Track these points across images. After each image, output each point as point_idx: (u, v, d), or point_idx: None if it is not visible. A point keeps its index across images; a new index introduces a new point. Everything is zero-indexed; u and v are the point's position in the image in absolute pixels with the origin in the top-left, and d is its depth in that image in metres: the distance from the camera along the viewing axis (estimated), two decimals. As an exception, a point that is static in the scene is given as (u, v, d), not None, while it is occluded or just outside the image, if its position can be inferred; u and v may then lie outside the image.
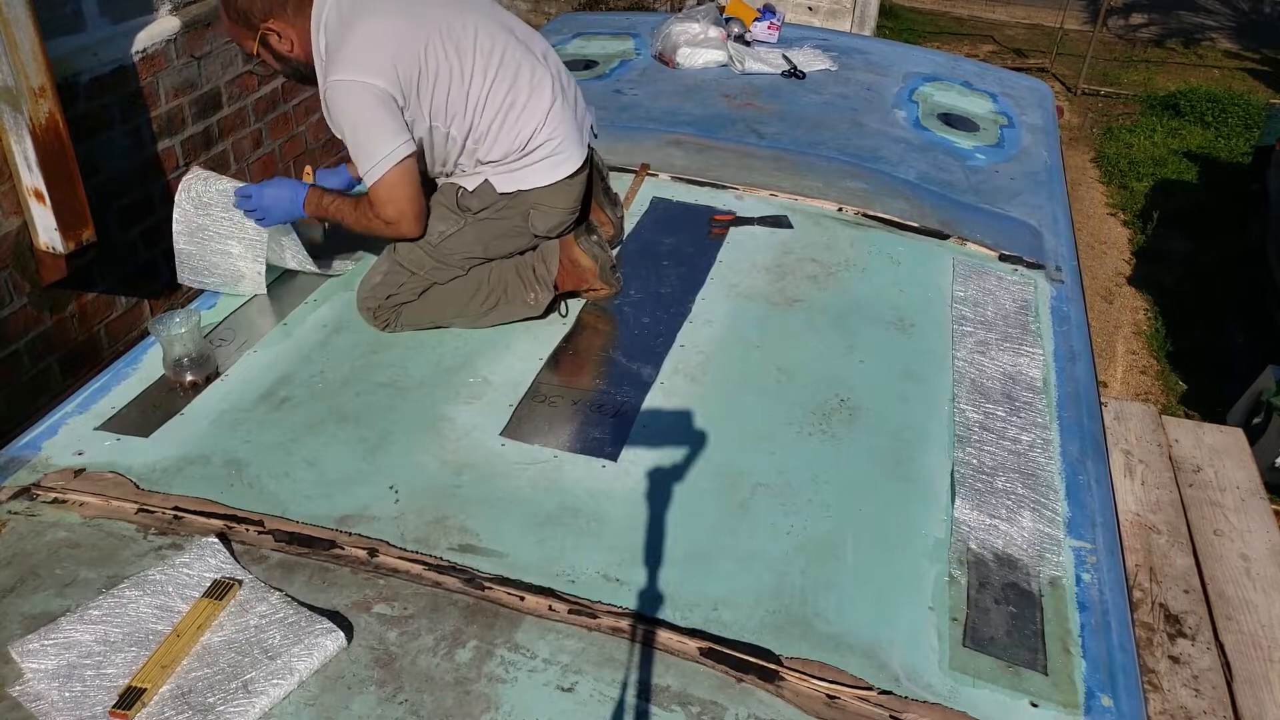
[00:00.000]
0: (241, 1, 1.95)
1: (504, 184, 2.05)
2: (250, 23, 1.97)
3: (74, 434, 1.79)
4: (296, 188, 2.09)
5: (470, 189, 2.06)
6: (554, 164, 2.06)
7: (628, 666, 1.37)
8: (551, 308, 2.16)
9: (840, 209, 2.61)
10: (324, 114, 1.96)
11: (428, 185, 2.18)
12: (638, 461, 1.75)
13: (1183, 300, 5.14)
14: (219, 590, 1.43)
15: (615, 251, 2.34)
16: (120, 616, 1.39)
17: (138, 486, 1.66)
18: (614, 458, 1.76)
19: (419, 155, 2.01)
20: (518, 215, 2.09)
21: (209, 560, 1.49)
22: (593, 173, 2.28)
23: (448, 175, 2.10)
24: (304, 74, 2.02)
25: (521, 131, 2.01)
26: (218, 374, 1.96)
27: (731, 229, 2.50)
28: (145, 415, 1.85)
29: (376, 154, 1.90)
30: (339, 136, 1.95)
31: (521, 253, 2.16)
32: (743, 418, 1.88)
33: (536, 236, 2.14)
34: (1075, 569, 1.62)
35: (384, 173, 1.91)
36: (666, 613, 1.46)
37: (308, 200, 2.07)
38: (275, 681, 1.31)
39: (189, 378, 1.92)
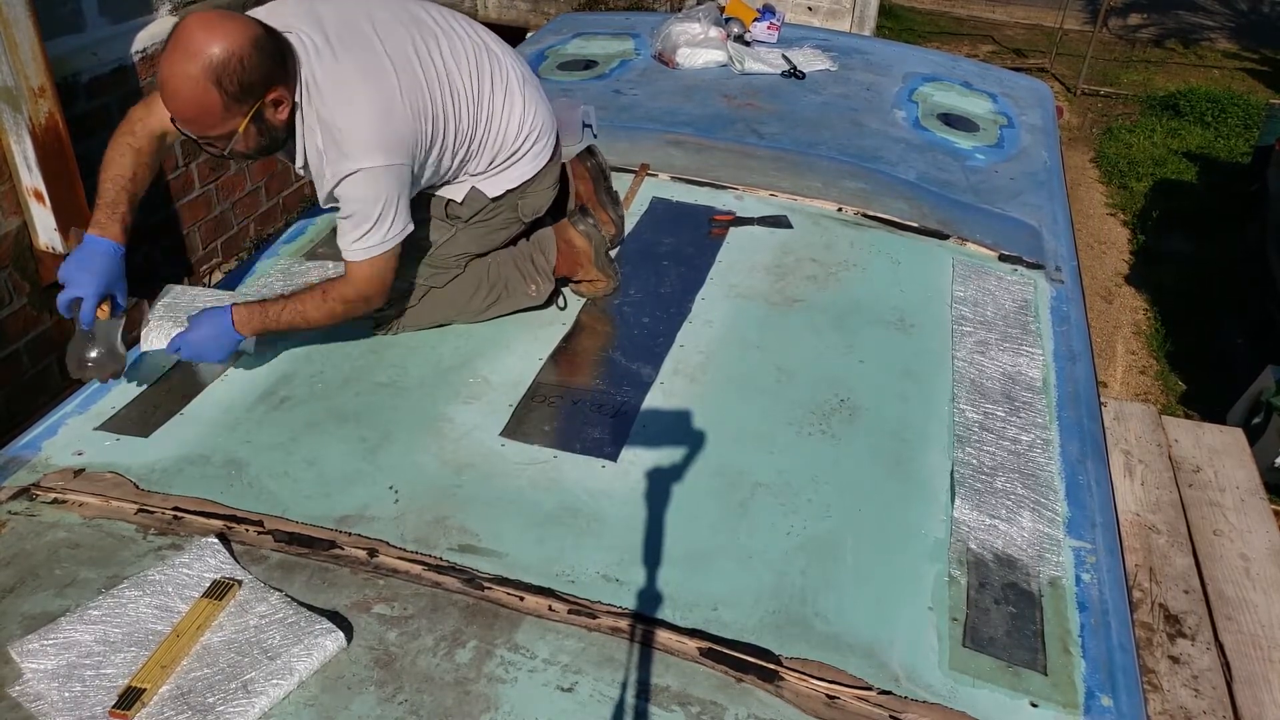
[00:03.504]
0: (246, 74, 1.63)
1: (493, 188, 2.04)
2: (253, 95, 1.66)
3: (74, 434, 1.79)
4: (220, 317, 1.83)
5: (459, 199, 2.04)
6: (535, 154, 2.05)
7: (627, 666, 1.37)
8: (551, 298, 2.16)
9: (840, 209, 2.61)
10: (320, 187, 1.81)
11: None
12: (637, 461, 1.75)
13: (1183, 300, 5.14)
14: (219, 590, 1.43)
15: (615, 252, 2.34)
16: (120, 617, 1.39)
17: (137, 487, 1.66)
18: (614, 458, 1.76)
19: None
20: (507, 209, 2.09)
21: (209, 560, 1.49)
22: (595, 172, 2.28)
23: (432, 188, 2.06)
24: (279, 145, 1.80)
25: (505, 137, 2.00)
26: (120, 374, 1.87)
27: (731, 229, 2.50)
28: (145, 415, 1.85)
29: (379, 234, 1.81)
30: (337, 208, 1.81)
31: (514, 240, 2.16)
32: (742, 418, 1.88)
33: (525, 221, 2.15)
34: (1075, 569, 1.62)
35: (383, 253, 1.84)
36: (666, 613, 1.46)
37: (240, 323, 1.83)
38: (275, 682, 1.31)
39: (89, 371, 1.84)
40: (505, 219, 2.10)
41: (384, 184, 1.78)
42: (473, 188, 2.03)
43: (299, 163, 1.84)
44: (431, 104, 1.84)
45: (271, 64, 1.67)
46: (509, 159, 2.02)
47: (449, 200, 2.04)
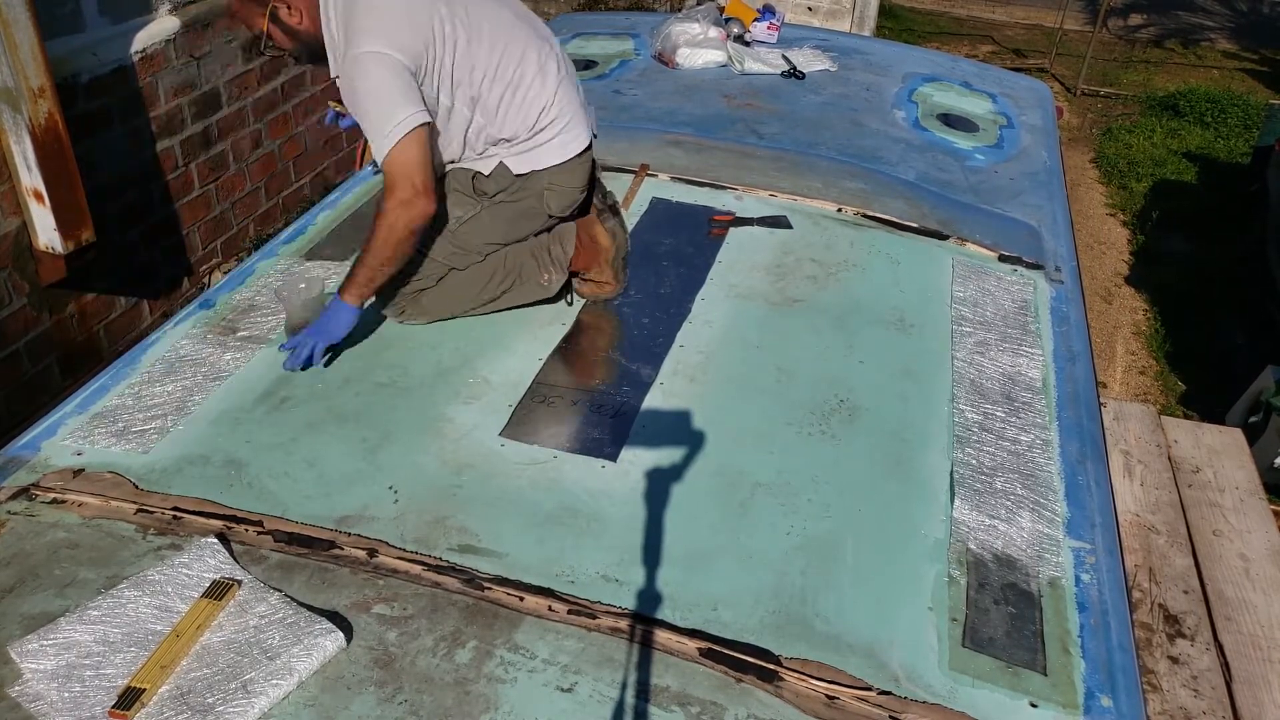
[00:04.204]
0: None
1: (518, 165, 2.07)
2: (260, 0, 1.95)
3: (73, 434, 1.79)
4: (333, 305, 1.97)
5: (486, 173, 2.08)
6: (564, 142, 2.09)
7: (627, 667, 1.37)
8: (561, 293, 2.17)
9: (840, 209, 2.61)
10: (341, 95, 1.95)
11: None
12: (637, 461, 1.75)
13: (1182, 300, 5.14)
14: (218, 590, 1.43)
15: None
16: (119, 617, 1.39)
17: (137, 487, 1.66)
18: (614, 458, 1.76)
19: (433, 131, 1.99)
20: (532, 196, 2.11)
21: (208, 560, 1.49)
22: (592, 176, 2.27)
23: (459, 160, 2.11)
24: (314, 50, 2.00)
25: (530, 109, 2.03)
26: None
27: (731, 229, 2.50)
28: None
29: (389, 122, 1.85)
30: (353, 115, 1.95)
31: (536, 234, 2.18)
32: (742, 418, 1.88)
33: (550, 217, 2.16)
34: (1074, 569, 1.62)
35: (397, 140, 1.85)
36: (666, 613, 1.46)
37: (345, 291, 1.94)
38: (275, 682, 1.31)
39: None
40: (530, 207, 2.12)
41: (378, 70, 1.85)
42: (500, 162, 2.07)
43: (333, 71, 1.96)
44: (437, 23, 1.92)
45: None
46: (534, 137, 2.05)
47: (476, 172, 2.09)
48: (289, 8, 1.96)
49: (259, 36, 2.01)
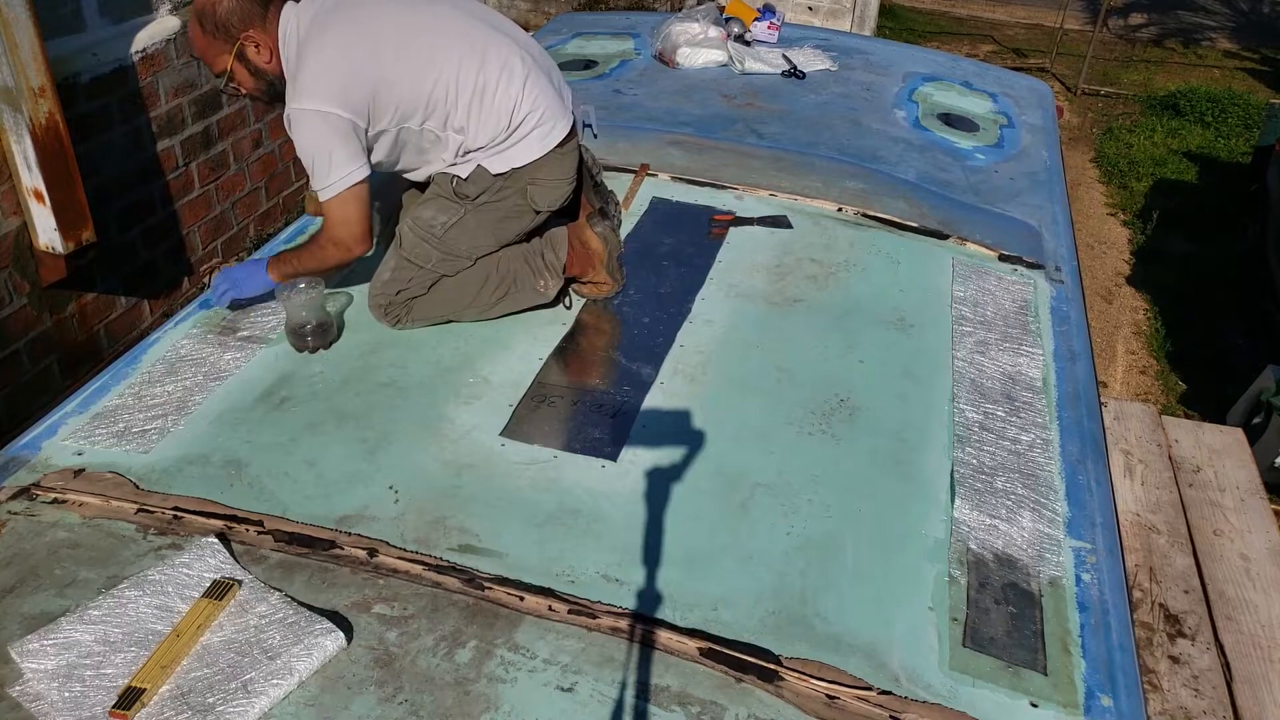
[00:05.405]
0: (221, 12, 1.91)
1: (497, 165, 2.06)
2: (230, 33, 1.93)
3: (74, 434, 1.79)
4: (257, 263, 2.10)
5: (464, 176, 2.07)
6: (542, 135, 2.07)
7: (627, 666, 1.37)
8: (559, 297, 2.17)
9: (840, 209, 2.61)
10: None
11: (419, 188, 2.18)
12: (638, 461, 1.75)
13: (1183, 300, 5.14)
14: (219, 590, 1.43)
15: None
16: (120, 617, 1.39)
17: (137, 487, 1.66)
18: (614, 458, 1.76)
19: (397, 162, 2.05)
20: (516, 194, 2.09)
21: (209, 560, 1.49)
22: (583, 176, 2.27)
23: (439, 169, 2.10)
24: (277, 89, 1.99)
25: (501, 112, 2.02)
26: (337, 339, 2.06)
27: (731, 229, 2.50)
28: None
29: (330, 177, 1.92)
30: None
31: (528, 236, 2.17)
32: (742, 418, 1.88)
33: (538, 213, 2.14)
34: (1075, 569, 1.62)
35: (336, 194, 1.93)
36: (666, 613, 1.46)
37: (270, 266, 2.06)
38: (275, 682, 1.31)
39: (310, 342, 2.01)
40: (515, 205, 2.10)
41: (316, 128, 1.89)
42: (478, 165, 2.06)
43: (285, 112, 1.97)
44: (384, 64, 1.93)
45: (248, 10, 1.92)
46: (510, 136, 2.04)
47: (455, 177, 2.07)
48: (257, 46, 1.95)
49: (220, 75, 1.99)
